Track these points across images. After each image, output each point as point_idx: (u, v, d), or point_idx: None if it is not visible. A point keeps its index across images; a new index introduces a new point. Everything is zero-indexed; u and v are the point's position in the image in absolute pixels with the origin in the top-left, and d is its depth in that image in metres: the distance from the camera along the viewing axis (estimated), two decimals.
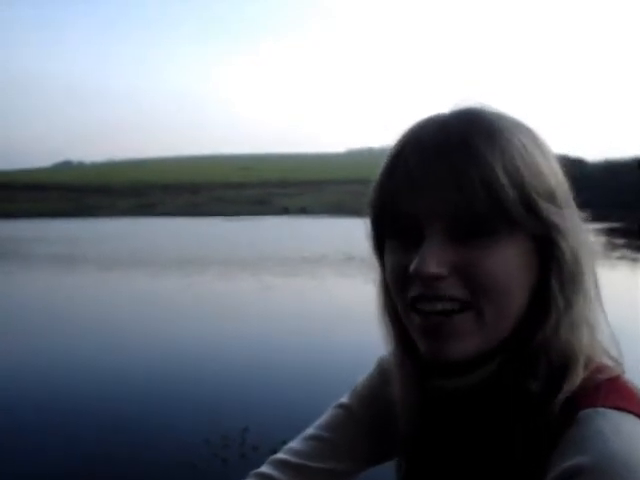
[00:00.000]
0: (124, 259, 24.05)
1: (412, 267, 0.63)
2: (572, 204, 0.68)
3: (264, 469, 0.87)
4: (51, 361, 8.07)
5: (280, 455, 0.88)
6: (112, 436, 5.33)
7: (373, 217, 0.70)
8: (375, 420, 0.87)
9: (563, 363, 0.64)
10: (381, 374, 0.88)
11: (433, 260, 0.62)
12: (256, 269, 19.49)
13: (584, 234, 0.68)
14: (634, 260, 22.09)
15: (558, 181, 0.66)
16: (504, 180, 0.61)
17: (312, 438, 0.87)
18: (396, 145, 0.67)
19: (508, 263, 0.62)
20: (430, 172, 0.63)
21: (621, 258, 22.59)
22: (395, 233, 0.68)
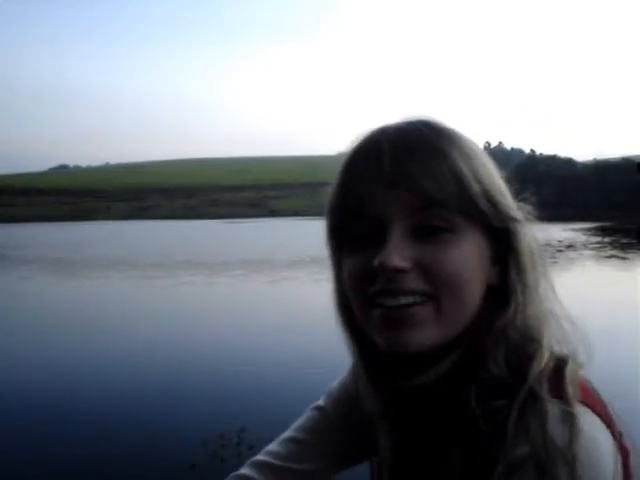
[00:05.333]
0: (117, 262, 24.09)
1: (377, 260, 0.64)
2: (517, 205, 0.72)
3: (244, 471, 0.88)
4: (50, 362, 8.17)
5: (259, 457, 0.89)
6: (111, 436, 5.42)
7: (334, 221, 0.72)
8: (349, 423, 0.87)
9: (525, 350, 0.66)
10: (355, 378, 0.89)
11: (397, 254, 0.64)
12: (254, 270, 19.67)
13: (533, 230, 0.72)
14: (623, 258, 22.33)
15: (504, 183, 0.71)
16: (469, 174, 0.66)
17: (290, 440, 0.89)
18: (356, 149, 0.70)
19: (467, 257, 0.65)
20: (402, 168, 0.65)
21: (611, 257, 22.86)
22: (356, 234, 0.69)
